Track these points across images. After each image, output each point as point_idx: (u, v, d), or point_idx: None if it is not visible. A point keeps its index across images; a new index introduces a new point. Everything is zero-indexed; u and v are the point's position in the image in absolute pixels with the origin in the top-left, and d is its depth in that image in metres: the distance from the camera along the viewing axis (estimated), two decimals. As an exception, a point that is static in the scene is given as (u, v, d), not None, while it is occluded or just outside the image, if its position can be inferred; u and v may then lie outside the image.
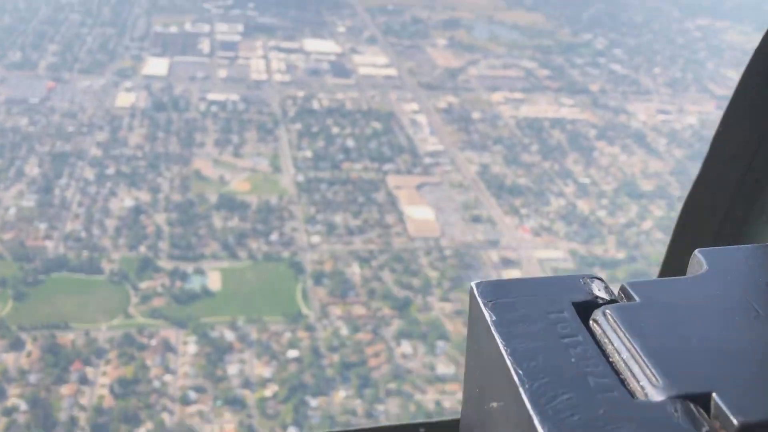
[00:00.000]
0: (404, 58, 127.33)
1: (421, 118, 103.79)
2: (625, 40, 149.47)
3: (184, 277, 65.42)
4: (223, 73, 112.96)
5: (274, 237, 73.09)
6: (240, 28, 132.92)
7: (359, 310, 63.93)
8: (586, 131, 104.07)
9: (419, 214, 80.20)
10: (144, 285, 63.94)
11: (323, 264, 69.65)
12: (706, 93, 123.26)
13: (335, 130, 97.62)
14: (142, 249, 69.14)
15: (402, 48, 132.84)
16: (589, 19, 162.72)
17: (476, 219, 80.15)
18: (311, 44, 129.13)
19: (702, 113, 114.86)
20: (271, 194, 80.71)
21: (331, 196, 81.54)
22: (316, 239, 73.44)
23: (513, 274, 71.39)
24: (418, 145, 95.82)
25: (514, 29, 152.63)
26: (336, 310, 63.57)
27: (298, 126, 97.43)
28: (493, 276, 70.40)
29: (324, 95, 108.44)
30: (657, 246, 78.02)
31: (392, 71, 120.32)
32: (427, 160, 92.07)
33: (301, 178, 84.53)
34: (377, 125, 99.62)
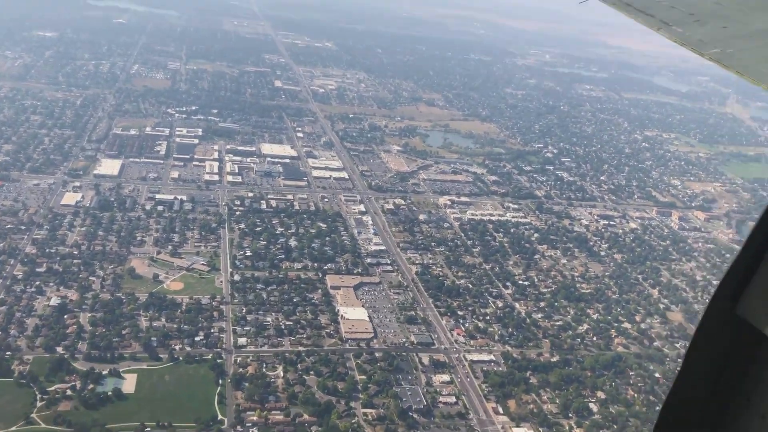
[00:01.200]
0: (358, 162, 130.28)
1: (368, 219, 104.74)
2: (575, 149, 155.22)
3: (97, 379, 62.70)
4: (175, 174, 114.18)
5: (199, 338, 71.09)
6: (199, 132, 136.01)
7: (277, 416, 61.29)
8: (530, 234, 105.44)
9: (354, 314, 79.01)
10: (53, 388, 61.04)
11: (246, 367, 67.42)
12: (649, 200, 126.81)
13: (280, 229, 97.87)
14: (59, 350, 66.66)
15: (357, 153, 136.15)
16: (541, 129, 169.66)
17: (412, 320, 79.04)
18: (268, 148, 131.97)
19: (644, 219, 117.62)
20: (203, 294, 79.34)
21: (266, 296, 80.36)
22: (243, 340, 71.54)
23: (443, 378, 69.64)
24: (361, 245, 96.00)
25: (468, 138, 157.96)
26: (253, 416, 60.87)
27: (242, 225, 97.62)
28: (422, 380, 68.66)
29: (273, 196, 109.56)
30: (592, 350, 77.17)
31: (344, 174, 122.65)
32: (369, 260, 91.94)
33: (237, 277, 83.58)
34: (323, 225, 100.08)
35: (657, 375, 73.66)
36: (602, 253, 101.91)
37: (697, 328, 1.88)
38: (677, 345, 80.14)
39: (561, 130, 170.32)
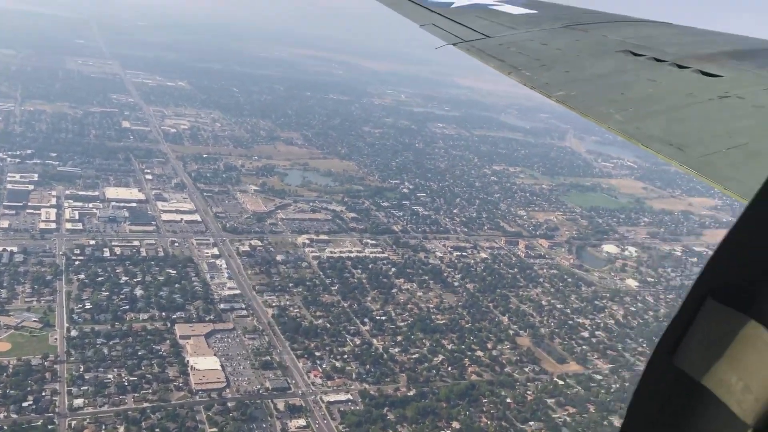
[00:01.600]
0: (212, 204, 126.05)
1: (221, 263, 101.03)
2: (429, 184, 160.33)
3: None
4: (4, 223, 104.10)
5: (28, 403, 64.16)
6: (35, 177, 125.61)
7: (116, 481, 56.27)
8: (387, 269, 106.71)
9: (205, 364, 75.10)
10: None
11: (83, 430, 61.61)
12: (498, 230, 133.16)
13: (124, 278, 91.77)
14: None
15: (211, 194, 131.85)
16: (398, 166, 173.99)
17: (267, 365, 76.47)
18: (113, 192, 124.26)
19: (494, 248, 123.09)
20: (34, 353, 72.07)
21: (107, 351, 74.47)
22: (79, 402, 65.49)
23: (299, 422, 67.60)
24: (214, 291, 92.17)
25: (328, 176, 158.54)
26: (88, 485, 55.43)
27: (81, 276, 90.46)
28: (277, 426, 66.17)
29: (118, 243, 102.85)
30: (447, 380, 78.56)
31: (197, 217, 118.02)
32: (222, 306, 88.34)
33: (74, 333, 76.89)
34: (172, 272, 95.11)
35: (508, 400, 76.07)
36: (456, 284, 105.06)
37: (639, 381, 1.92)
38: (526, 369, 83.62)
39: (416, 166, 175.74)
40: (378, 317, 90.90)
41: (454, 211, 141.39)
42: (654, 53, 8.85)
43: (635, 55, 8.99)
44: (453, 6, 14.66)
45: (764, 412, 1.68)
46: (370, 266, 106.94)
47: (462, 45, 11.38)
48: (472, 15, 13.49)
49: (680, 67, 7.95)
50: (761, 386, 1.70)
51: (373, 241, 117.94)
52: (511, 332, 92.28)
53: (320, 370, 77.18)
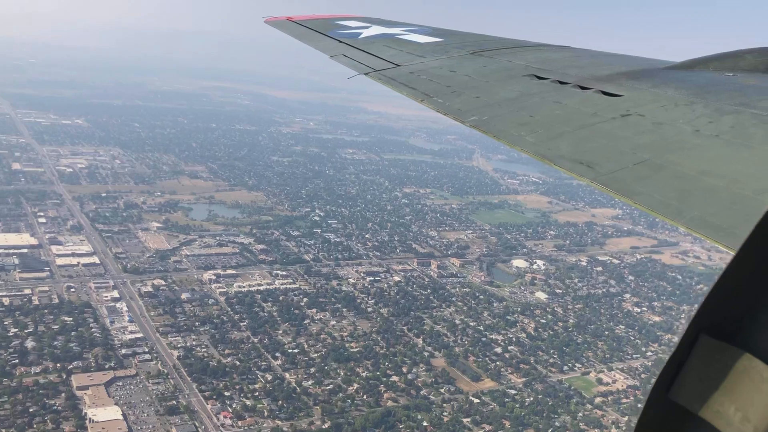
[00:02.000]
0: (112, 245, 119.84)
1: (122, 306, 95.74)
2: (341, 210, 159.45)
3: None
4: None
5: None
6: None
7: None
8: (299, 300, 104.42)
9: (105, 415, 70.30)
10: None
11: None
12: (411, 252, 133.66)
13: (13, 330, 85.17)
14: None
15: (111, 234, 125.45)
16: (308, 194, 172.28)
17: (173, 411, 72.48)
18: (1, 238, 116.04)
19: (407, 271, 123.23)
20: None
21: (-8, 412, 68.38)
22: (-42, 472, 59.52)
23: (207, 469, 64.09)
24: (114, 336, 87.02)
25: (235, 208, 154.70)
26: None
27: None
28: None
29: (6, 293, 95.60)
30: (362, 409, 77.00)
31: (95, 259, 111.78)
32: (123, 352, 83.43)
33: (-47, 395, 70.27)
34: (68, 319, 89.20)
35: (425, 423, 75.35)
36: (369, 309, 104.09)
37: (638, 418, 2.00)
38: (442, 390, 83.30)
39: (327, 193, 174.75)
40: (290, 350, 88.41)
41: (366, 235, 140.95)
42: (557, 76, 9.24)
43: (540, 78, 9.38)
44: (361, 37, 14.92)
45: None
46: (280, 298, 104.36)
47: (374, 74, 11.66)
48: (381, 45, 13.79)
49: (583, 88, 8.32)
50: (759, 416, 1.75)
51: (284, 272, 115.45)
52: (426, 354, 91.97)
53: (230, 410, 73.88)
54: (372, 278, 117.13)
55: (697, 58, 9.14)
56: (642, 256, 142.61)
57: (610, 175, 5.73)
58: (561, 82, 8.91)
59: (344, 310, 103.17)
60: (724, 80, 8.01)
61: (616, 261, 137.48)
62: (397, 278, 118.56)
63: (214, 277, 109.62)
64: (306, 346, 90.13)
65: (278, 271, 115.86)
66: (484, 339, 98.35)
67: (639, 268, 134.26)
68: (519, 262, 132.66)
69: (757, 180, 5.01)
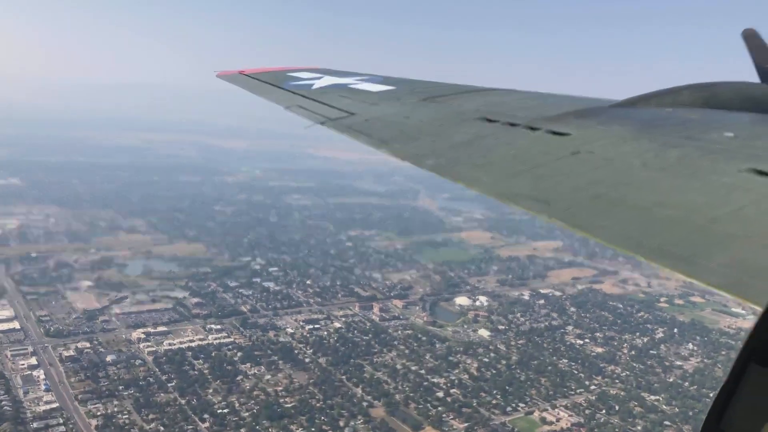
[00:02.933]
0: (36, 307, 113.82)
1: (39, 374, 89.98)
2: (283, 258, 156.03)
3: None
4: None
5: None
6: None
7: None
8: (232, 355, 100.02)
9: (10, 498, 64.82)
10: None
11: None
12: (353, 296, 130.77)
13: None
14: None
15: (36, 296, 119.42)
16: (250, 243, 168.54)
17: (87, 487, 67.28)
18: None
19: (348, 316, 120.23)
20: None
21: None
22: None
23: None
24: (26, 408, 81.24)
25: (172, 261, 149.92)
26: None
27: None
28: None
29: None
30: (293, 468, 72.90)
31: (15, 324, 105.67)
32: (36, 425, 77.64)
33: None
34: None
35: (360, 479, 71.70)
36: (307, 360, 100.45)
37: None
38: (378, 441, 79.92)
39: (270, 240, 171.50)
40: (220, 410, 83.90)
41: (308, 282, 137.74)
42: (507, 118, 9.41)
43: (491, 121, 9.54)
44: (314, 87, 15.11)
45: None
46: (213, 354, 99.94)
47: (329, 123, 11.77)
48: (334, 94, 13.95)
49: (532, 129, 8.45)
50: None
51: (218, 326, 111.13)
52: (365, 404, 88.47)
53: (150, 481, 68.98)
54: (311, 326, 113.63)
55: (639, 95, 9.41)
56: (583, 286, 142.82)
57: (568, 211, 5.86)
58: (511, 124, 9.09)
59: (280, 362, 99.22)
60: (666, 115, 8.35)
61: (557, 293, 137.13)
62: (337, 324, 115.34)
63: (143, 336, 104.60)
64: (237, 405, 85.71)
65: (212, 325, 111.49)
66: (425, 383, 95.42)
67: (580, 299, 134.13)
68: (462, 300, 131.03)
69: (709, 208, 5.05)
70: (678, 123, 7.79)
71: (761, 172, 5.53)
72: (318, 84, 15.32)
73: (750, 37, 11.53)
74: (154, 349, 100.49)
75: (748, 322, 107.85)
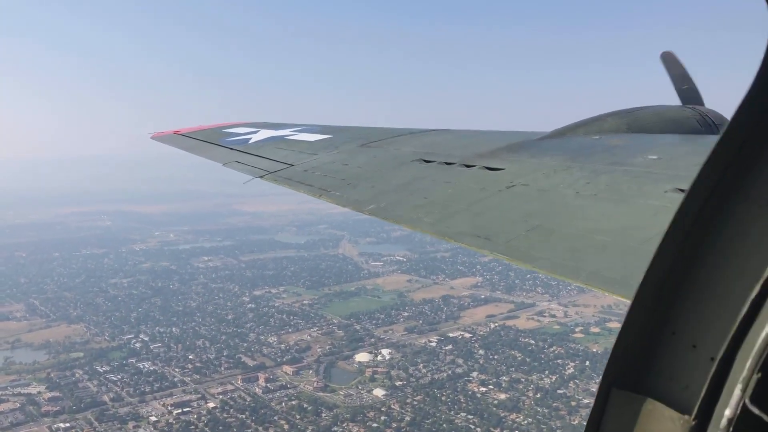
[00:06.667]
0: None
1: None
2: (171, 330, 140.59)
3: None
4: None
5: None
6: None
7: None
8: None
9: None
10: None
11: None
12: (237, 368, 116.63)
13: None
14: None
15: None
16: (138, 317, 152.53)
17: None
18: None
19: (227, 392, 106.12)
20: None
21: None
22: None
23: None
24: None
25: (42, 348, 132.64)
26: None
27: None
28: None
29: None
30: None
31: None
32: None
33: None
34: None
35: None
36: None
37: None
38: None
39: (162, 312, 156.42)
40: None
41: (190, 356, 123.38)
42: (443, 158, 9.70)
43: (427, 162, 9.80)
44: (251, 141, 14.78)
45: None
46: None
47: (269, 176, 11.70)
48: (272, 147, 13.83)
49: (467, 166, 8.82)
50: None
51: (69, 424, 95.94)
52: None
53: None
54: (180, 410, 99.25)
55: (566, 126, 9.81)
56: (496, 324, 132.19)
57: (507, 244, 5.86)
58: (447, 163, 9.29)
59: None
60: (593, 143, 8.85)
61: (468, 335, 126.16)
62: (211, 404, 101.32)
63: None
64: None
65: (63, 423, 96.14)
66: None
67: (491, 338, 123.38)
68: (362, 356, 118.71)
69: (639, 231, 5.09)
70: (605, 150, 8.19)
71: (684, 192, 5.01)
72: (255, 138, 15.18)
73: (669, 60, 12.34)
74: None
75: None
